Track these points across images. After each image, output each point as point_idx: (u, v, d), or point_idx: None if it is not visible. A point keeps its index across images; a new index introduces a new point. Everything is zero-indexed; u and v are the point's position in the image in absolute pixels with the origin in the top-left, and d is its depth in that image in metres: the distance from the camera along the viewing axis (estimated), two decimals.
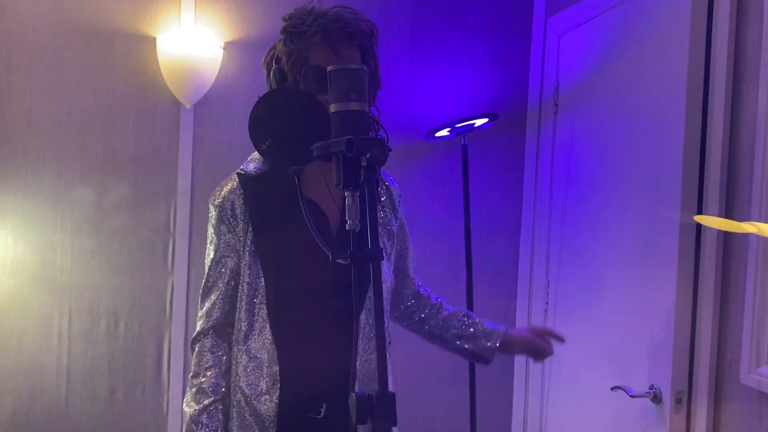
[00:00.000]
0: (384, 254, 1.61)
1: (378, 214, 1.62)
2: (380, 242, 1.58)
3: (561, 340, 1.76)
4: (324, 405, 1.51)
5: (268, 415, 1.51)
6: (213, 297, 1.59)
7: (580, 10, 2.56)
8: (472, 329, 1.74)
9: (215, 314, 1.58)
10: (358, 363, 1.51)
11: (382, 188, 1.68)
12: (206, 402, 1.52)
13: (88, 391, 2.68)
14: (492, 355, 1.73)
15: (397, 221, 1.71)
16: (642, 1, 2.18)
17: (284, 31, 1.54)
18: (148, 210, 2.71)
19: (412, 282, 1.83)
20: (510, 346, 1.74)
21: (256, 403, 1.52)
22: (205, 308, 1.60)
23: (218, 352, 1.57)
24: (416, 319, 1.81)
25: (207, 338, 1.58)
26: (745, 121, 1.80)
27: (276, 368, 1.52)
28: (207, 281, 1.61)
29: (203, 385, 1.53)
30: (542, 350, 1.73)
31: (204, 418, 1.51)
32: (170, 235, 2.72)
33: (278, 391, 1.51)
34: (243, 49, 2.73)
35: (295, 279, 1.53)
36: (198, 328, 1.60)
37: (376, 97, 1.62)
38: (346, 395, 1.45)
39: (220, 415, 1.53)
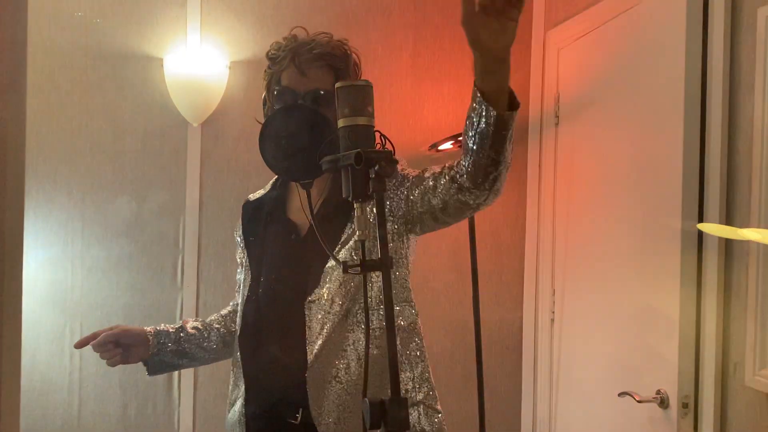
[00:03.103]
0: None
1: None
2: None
3: None
4: (300, 410, 1.55)
5: (242, 415, 1.63)
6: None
7: (578, 24, 2.60)
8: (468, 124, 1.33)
9: (230, 306, 1.87)
10: (309, 360, 1.55)
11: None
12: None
13: (99, 408, 2.71)
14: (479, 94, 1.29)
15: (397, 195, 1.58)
16: (638, 13, 2.22)
17: (266, 57, 1.65)
18: (157, 228, 2.74)
19: (439, 174, 1.50)
20: (476, 66, 1.27)
21: (232, 404, 1.68)
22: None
23: (216, 317, 1.85)
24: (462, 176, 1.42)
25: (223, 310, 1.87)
26: (743, 128, 1.83)
27: (240, 371, 1.65)
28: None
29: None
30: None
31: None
32: (179, 252, 2.76)
33: (245, 393, 1.63)
34: (248, 68, 2.78)
35: (268, 289, 1.65)
36: None
37: None
38: (321, 401, 1.51)
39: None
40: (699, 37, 1.94)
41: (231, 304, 1.87)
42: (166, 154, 2.75)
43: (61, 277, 2.69)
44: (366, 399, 1.05)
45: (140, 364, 1.73)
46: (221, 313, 1.86)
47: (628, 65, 2.29)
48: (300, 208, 1.64)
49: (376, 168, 1.10)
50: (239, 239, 1.76)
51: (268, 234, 1.68)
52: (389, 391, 1.06)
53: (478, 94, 1.29)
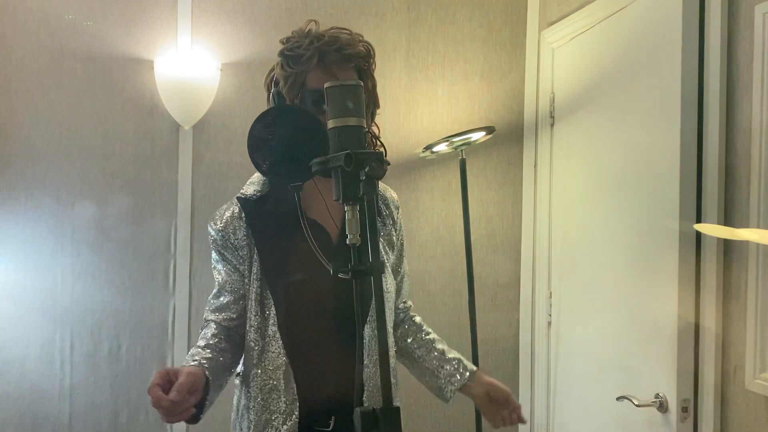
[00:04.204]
0: (386, 266, 1.63)
1: (378, 226, 1.64)
2: (381, 254, 1.61)
3: (522, 420, 1.69)
4: (333, 418, 1.53)
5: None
6: (223, 299, 1.61)
7: (573, 23, 2.58)
8: (444, 367, 1.69)
9: (223, 314, 1.60)
10: (364, 376, 1.53)
11: (381, 202, 1.69)
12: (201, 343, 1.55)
13: (91, 415, 2.67)
14: (449, 397, 1.70)
15: (397, 233, 1.71)
16: (634, 11, 2.20)
17: (281, 54, 1.56)
18: (148, 232, 2.71)
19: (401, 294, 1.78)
20: (470, 393, 1.68)
21: (276, 422, 1.53)
22: (213, 306, 1.62)
23: (217, 340, 1.57)
24: (399, 332, 1.77)
25: (209, 327, 1.59)
26: (741, 126, 1.81)
27: (293, 386, 1.53)
28: (218, 292, 1.63)
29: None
30: (495, 419, 1.67)
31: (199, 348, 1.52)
32: (171, 256, 2.72)
33: (298, 408, 1.53)
34: (240, 70, 2.75)
35: (302, 297, 1.54)
36: (205, 315, 1.63)
37: (374, 116, 1.63)
38: (352, 407, 1.47)
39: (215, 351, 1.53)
40: (696, 35, 1.92)
41: (214, 324, 1.60)
42: (157, 158, 2.72)
43: (50, 283, 2.65)
44: (357, 409, 1.02)
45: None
46: (212, 333, 1.58)
47: (624, 64, 2.26)
48: (325, 209, 1.55)
49: (366, 169, 1.07)
50: (243, 240, 1.57)
51: (288, 237, 1.53)
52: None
53: (467, 378, 1.66)
